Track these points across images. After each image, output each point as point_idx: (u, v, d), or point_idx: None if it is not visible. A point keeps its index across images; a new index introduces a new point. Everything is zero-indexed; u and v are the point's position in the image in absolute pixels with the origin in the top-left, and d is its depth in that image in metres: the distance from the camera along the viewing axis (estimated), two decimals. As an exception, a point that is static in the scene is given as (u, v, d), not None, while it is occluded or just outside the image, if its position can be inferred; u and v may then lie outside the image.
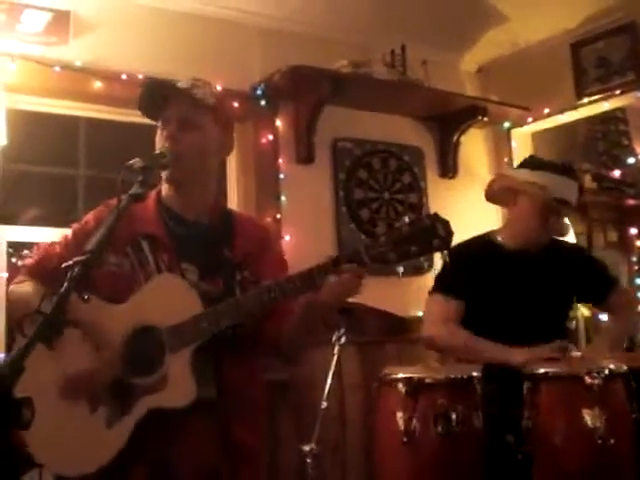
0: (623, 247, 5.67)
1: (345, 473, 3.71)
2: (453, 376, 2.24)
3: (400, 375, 2.29)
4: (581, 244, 4.81)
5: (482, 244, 2.81)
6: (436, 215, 1.67)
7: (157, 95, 1.95)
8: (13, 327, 2.74)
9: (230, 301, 1.78)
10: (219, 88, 3.52)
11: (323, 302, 1.75)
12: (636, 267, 5.51)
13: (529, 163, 2.84)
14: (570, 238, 4.55)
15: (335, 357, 2.88)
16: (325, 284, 1.70)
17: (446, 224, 1.65)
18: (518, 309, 2.63)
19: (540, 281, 2.67)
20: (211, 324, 1.75)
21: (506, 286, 2.65)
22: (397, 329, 2.94)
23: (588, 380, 2.09)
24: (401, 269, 1.69)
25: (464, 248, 2.71)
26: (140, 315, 1.82)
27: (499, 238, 2.79)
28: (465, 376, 2.23)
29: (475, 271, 2.67)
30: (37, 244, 2.12)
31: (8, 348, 3.08)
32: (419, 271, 4.01)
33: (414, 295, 3.71)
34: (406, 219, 1.66)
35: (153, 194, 2.00)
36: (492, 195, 2.88)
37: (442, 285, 2.74)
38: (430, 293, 2.78)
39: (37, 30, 3.25)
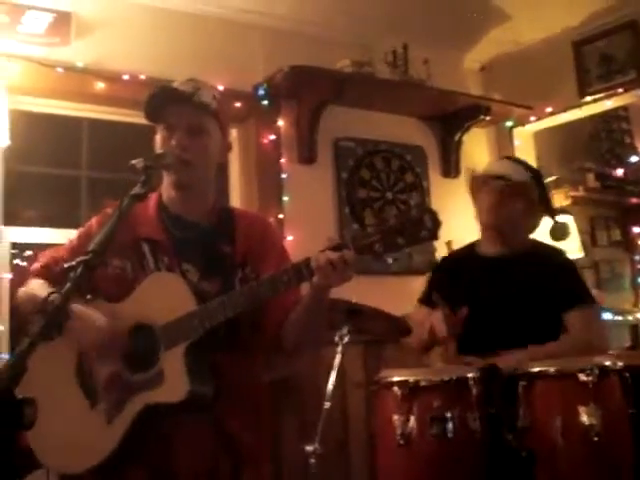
0: (627, 246, 5.67)
1: (349, 473, 3.70)
2: (448, 378, 2.24)
3: (395, 378, 2.29)
4: (584, 243, 4.80)
5: (463, 252, 2.87)
6: (424, 206, 1.67)
7: (163, 100, 1.95)
8: (21, 327, 2.75)
9: (222, 297, 1.78)
10: (221, 88, 3.57)
11: (318, 286, 1.75)
12: (639, 265, 5.51)
13: None
14: (573, 237, 4.56)
15: (338, 356, 2.88)
16: (316, 268, 1.69)
17: (434, 215, 1.65)
18: (494, 314, 2.61)
19: (513, 285, 2.63)
20: (203, 321, 1.76)
21: (482, 291, 2.64)
22: (401, 332, 2.93)
23: (582, 377, 2.09)
24: (390, 260, 1.69)
25: (444, 258, 2.89)
26: (137, 313, 1.84)
27: (480, 245, 2.80)
28: (460, 377, 2.23)
29: (454, 279, 2.69)
30: (39, 248, 2.13)
31: (13, 349, 3.09)
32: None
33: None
34: (394, 211, 1.66)
35: (154, 197, 2.01)
36: None
37: (421, 295, 2.84)
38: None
39: (39, 31, 3.26)
